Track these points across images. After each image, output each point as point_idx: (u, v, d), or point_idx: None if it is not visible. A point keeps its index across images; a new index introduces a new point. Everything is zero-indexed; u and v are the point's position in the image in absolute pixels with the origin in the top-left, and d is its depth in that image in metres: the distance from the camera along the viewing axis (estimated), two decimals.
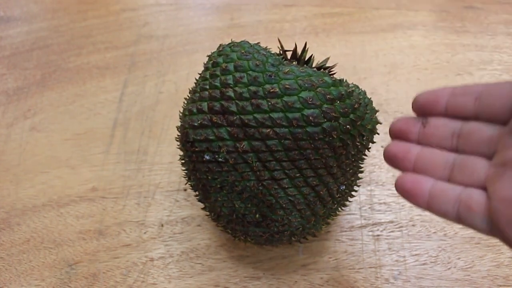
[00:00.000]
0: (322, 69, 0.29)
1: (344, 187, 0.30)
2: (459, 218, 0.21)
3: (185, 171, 0.31)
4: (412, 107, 0.24)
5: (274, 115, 0.25)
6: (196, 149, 0.28)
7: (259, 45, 0.29)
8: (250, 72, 0.26)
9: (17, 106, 0.48)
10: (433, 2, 0.57)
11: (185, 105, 0.31)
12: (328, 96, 0.26)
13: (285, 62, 0.28)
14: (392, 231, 0.38)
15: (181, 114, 0.31)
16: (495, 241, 0.37)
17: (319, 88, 0.26)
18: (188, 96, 0.31)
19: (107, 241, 0.38)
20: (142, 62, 0.52)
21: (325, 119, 0.25)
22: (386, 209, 0.39)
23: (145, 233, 0.39)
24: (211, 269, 0.36)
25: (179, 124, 0.46)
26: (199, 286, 0.35)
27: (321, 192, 0.28)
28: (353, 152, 0.28)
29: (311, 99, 0.25)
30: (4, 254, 0.38)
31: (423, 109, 0.24)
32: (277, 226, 0.29)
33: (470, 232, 0.37)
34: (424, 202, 0.22)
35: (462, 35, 0.52)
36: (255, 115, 0.26)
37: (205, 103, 0.27)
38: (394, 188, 0.41)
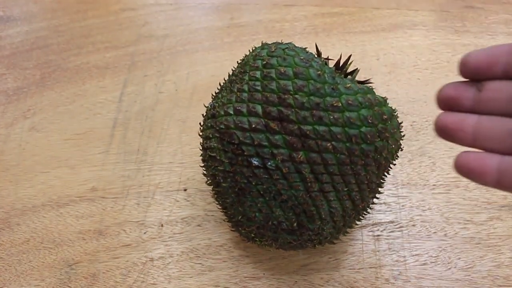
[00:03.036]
0: (366, 84, 0.29)
1: (375, 199, 0.31)
2: None
3: (214, 171, 0.30)
4: (461, 72, 0.21)
5: (335, 129, 0.25)
6: (244, 153, 0.27)
7: (308, 51, 0.29)
8: (312, 82, 0.26)
9: (17, 106, 0.48)
10: (433, 2, 0.57)
11: (221, 101, 0.29)
12: (384, 116, 0.26)
13: (338, 74, 0.28)
14: (392, 231, 0.38)
15: (215, 111, 0.29)
16: (495, 241, 0.37)
17: (376, 108, 0.26)
18: (217, 92, 0.31)
19: (107, 241, 0.38)
20: (142, 62, 0.52)
21: (379, 138, 0.26)
22: (386, 209, 0.39)
23: (145, 233, 0.38)
24: (211, 269, 0.36)
25: (179, 123, 0.46)
26: (199, 286, 0.35)
27: (360, 206, 0.29)
28: (389, 168, 0.29)
29: (370, 118, 0.26)
30: (4, 254, 0.38)
31: (476, 72, 0.21)
32: (309, 235, 0.29)
33: (470, 232, 0.37)
34: (493, 180, 0.20)
35: (462, 35, 0.52)
36: (315, 126, 0.25)
37: (259, 106, 0.26)
38: (394, 188, 0.41)
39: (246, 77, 0.28)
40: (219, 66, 0.51)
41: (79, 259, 0.37)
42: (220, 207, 0.32)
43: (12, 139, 0.46)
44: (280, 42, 0.30)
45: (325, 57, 0.30)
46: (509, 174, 0.20)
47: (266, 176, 0.27)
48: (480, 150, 0.21)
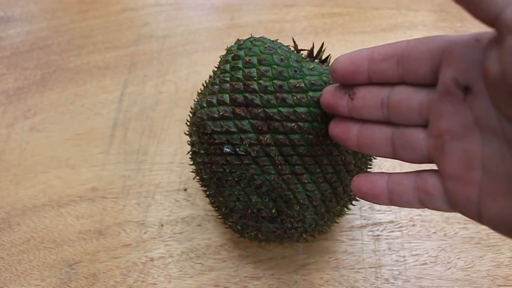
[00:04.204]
0: None
1: None
2: (423, 204, 0.21)
3: (198, 165, 0.30)
4: (334, 79, 0.22)
5: (299, 109, 0.26)
6: (215, 141, 0.27)
7: (279, 42, 0.29)
8: (275, 66, 0.26)
9: (17, 106, 0.48)
10: (433, 2, 0.57)
11: (199, 98, 0.30)
12: None
13: (306, 59, 0.28)
14: (392, 231, 0.38)
15: (195, 107, 0.30)
16: (495, 241, 0.37)
17: None
18: (200, 90, 0.31)
19: (107, 241, 0.38)
20: (142, 62, 0.52)
21: None
22: (386, 209, 0.39)
23: (145, 233, 0.39)
24: (211, 269, 0.36)
25: (179, 123, 0.46)
26: (199, 286, 0.35)
27: (338, 189, 0.28)
28: None
29: None
30: (4, 254, 0.38)
31: (346, 79, 0.22)
32: (291, 222, 0.29)
33: (470, 232, 0.37)
34: (386, 199, 0.22)
35: None
36: (279, 108, 0.26)
37: (227, 95, 0.27)
38: None
39: (218, 72, 0.29)
40: None
41: (79, 259, 0.37)
42: (211, 204, 0.33)
43: (13, 139, 0.46)
44: (253, 37, 0.30)
45: (301, 49, 0.30)
46: (397, 192, 0.21)
47: (238, 162, 0.27)
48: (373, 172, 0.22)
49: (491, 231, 0.38)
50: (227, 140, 0.27)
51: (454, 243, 0.37)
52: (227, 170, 0.28)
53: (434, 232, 0.37)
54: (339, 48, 0.52)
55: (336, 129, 0.23)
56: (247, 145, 0.26)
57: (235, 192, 0.28)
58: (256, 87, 0.26)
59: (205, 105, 0.28)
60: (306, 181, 0.27)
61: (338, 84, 0.23)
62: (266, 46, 0.28)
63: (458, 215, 0.38)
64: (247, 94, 0.26)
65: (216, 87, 0.28)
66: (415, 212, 0.39)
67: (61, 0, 0.60)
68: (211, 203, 0.33)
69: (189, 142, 0.32)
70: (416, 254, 0.36)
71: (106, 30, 0.56)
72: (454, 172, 0.19)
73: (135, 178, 0.42)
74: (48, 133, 0.46)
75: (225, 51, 0.31)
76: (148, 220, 0.39)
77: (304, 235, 0.31)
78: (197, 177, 0.33)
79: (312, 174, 0.27)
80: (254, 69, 0.27)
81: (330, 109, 0.23)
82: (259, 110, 0.26)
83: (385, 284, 0.35)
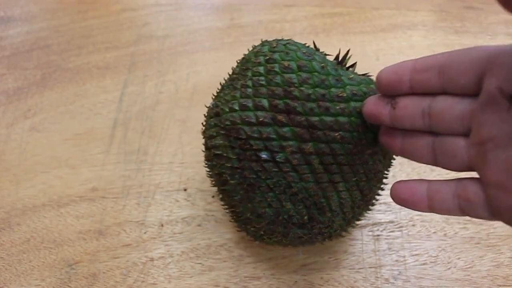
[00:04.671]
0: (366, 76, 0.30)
1: (380, 191, 0.31)
2: (463, 212, 0.21)
3: (220, 169, 0.29)
4: (377, 89, 0.23)
5: (341, 119, 0.25)
6: (252, 147, 0.27)
7: (308, 45, 0.29)
8: (316, 74, 0.26)
9: (17, 106, 0.48)
10: (433, 2, 0.57)
11: (224, 99, 0.29)
12: None
13: (340, 67, 0.28)
14: (392, 231, 0.38)
15: (219, 109, 0.29)
16: (495, 241, 0.37)
17: None
18: (219, 90, 0.31)
19: (107, 241, 0.38)
20: (142, 62, 0.52)
21: None
22: (386, 209, 0.39)
23: (145, 233, 0.39)
24: (211, 269, 0.36)
25: (179, 123, 0.46)
26: (199, 286, 0.35)
27: (368, 196, 0.29)
28: (394, 158, 0.30)
29: None
30: (4, 254, 0.38)
31: (389, 89, 0.23)
32: (320, 228, 0.29)
33: (470, 232, 0.37)
34: (425, 206, 0.22)
35: (462, 35, 0.52)
36: (322, 117, 0.25)
37: (265, 100, 0.26)
38: None
39: (249, 73, 0.28)
40: (219, 66, 0.51)
41: (79, 259, 0.37)
42: (225, 207, 0.32)
43: (13, 139, 0.46)
44: (280, 38, 0.30)
45: (324, 53, 0.30)
46: (437, 200, 0.21)
47: (276, 170, 0.27)
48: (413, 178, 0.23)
49: (491, 231, 0.38)
50: (265, 146, 0.26)
51: (454, 243, 0.37)
52: (262, 177, 0.27)
53: (434, 232, 0.37)
54: (338, 48, 0.52)
55: (384, 135, 0.24)
56: (288, 153, 0.26)
57: (267, 199, 0.28)
58: (298, 94, 0.26)
59: (237, 108, 0.27)
60: (341, 189, 0.27)
61: (380, 94, 0.24)
62: (303, 51, 0.27)
63: None
64: (288, 101, 0.26)
65: (250, 90, 0.27)
66: (415, 212, 0.39)
67: (61, 0, 0.60)
68: (230, 207, 0.32)
69: (205, 144, 0.31)
70: (416, 254, 0.36)
71: (106, 30, 0.56)
72: (497, 180, 0.19)
73: (135, 178, 0.42)
74: (48, 133, 0.46)
75: (250, 50, 0.30)
76: (148, 220, 0.39)
77: (327, 240, 0.31)
78: (212, 179, 0.32)
79: (347, 182, 0.27)
80: (294, 75, 0.26)
81: (373, 118, 0.24)
82: (302, 118, 0.26)
83: (385, 284, 0.35)
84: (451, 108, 0.21)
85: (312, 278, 0.35)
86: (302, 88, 0.26)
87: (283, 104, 0.26)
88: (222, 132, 0.28)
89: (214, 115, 0.30)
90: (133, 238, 0.38)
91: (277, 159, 0.26)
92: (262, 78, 0.27)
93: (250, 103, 0.27)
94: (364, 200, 0.29)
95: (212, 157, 0.30)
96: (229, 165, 0.28)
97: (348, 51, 0.30)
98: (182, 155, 0.43)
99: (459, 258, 0.36)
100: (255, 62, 0.28)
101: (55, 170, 0.43)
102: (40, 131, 0.46)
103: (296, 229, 0.29)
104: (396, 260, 0.36)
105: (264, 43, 0.30)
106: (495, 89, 0.18)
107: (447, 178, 0.22)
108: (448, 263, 0.36)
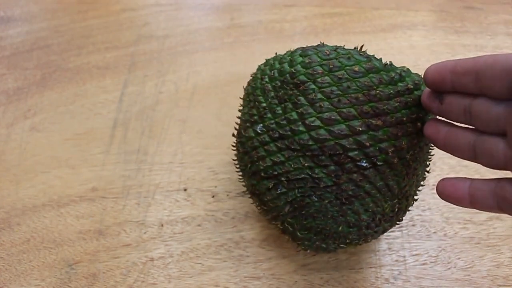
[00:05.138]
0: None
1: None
2: (502, 210, 0.22)
3: (300, 193, 0.27)
4: (425, 83, 0.25)
5: (414, 110, 0.27)
6: (353, 159, 0.26)
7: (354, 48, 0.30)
8: (383, 73, 0.27)
9: (17, 106, 0.48)
10: (433, 2, 0.57)
11: (269, 121, 0.28)
12: None
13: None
14: (392, 231, 0.38)
15: (271, 131, 0.28)
16: (495, 241, 0.37)
17: (422, 81, 0.28)
18: (263, 108, 0.29)
19: (107, 241, 0.38)
20: (142, 62, 0.52)
21: None
22: None
23: (145, 233, 0.39)
24: (211, 269, 0.36)
25: (179, 123, 0.46)
26: (199, 286, 0.35)
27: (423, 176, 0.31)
28: None
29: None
30: (4, 254, 0.38)
31: (434, 87, 0.24)
32: (401, 214, 0.30)
33: (470, 232, 0.37)
34: (468, 203, 0.23)
35: (462, 35, 0.52)
36: (403, 111, 0.26)
37: (352, 109, 0.26)
38: None
39: (313, 86, 0.27)
40: (219, 66, 0.51)
41: (79, 259, 0.37)
42: (291, 234, 0.30)
43: (13, 139, 0.46)
44: (310, 46, 0.29)
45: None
46: (477, 197, 0.23)
47: (376, 174, 0.27)
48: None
49: (491, 231, 0.38)
50: (364, 154, 0.26)
51: (454, 243, 0.37)
52: (363, 186, 0.26)
53: (434, 232, 0.37)
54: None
55: (429, 129, 0.26)
56: (389, 154, 0.26)
57: (364, 206, 0.27)
58: (380, 96, 0.26)
59: (320, 124, 0.26)
60: (419, 173, 0.29)
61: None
62: (359, 54, 0.27)
63: (459, 215, 0.38)
64: (375, 104, 0.26)
65: (327, 103, 0.26)
66: (415, 212, 0.39)
67: (61, 0, 0.60)
68: (307, 232, 0.29)
69: (262, 173, 0.29)
70: (416, 254, 0.36)
71: (106, 30, 0.56)
72: None
73: (135, 178, 0.42)
74: (48, 133, 0.46)
75: (278, 64, 0.30)
76: (148, 220, 0.39)
77: (395, 223, 0.32)
78: (278, 212, 0.29)
79: (421, 167, 0.29)
80: (366, 78, 0.26)
81: (427, 108, 0.26)
82: (392, 118, 0.26)
83: (385, 284, 0.35)
84: (487, 111, 0.22)
85: (312, 278, 0.35)
86: (380, 88, 0.26)
87: (371, 108, 0.26)
88: (304, 154, 0.27)
89: (273, 139, 0.28)
90: (133, 238, 0.38)
91: (377, 163, 0.26)
92: (335, 88, 0.26)
93: (337, 116, 0.26)
94: (422, 178, 0.31)
95: (285, 184, 0.28)
96: (321, 185, 0.27)
97: (362, 46, 0.30)
98: (182, 155, 0.43)
99: (459, 258, 0.36)
100: (313, 73, 0.27)
101: (55, 170, 0.43)
102: (40, 131, 0.46)
103: (384, 224, 0.29)
104: (396, 260, 0.36)
105: (300, 53, 0.29)
106: None
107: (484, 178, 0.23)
108: (448, 263, 0.36)
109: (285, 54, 0.31)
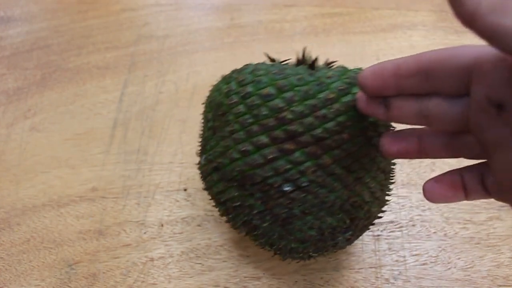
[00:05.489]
0: (334, 65, 0.30)
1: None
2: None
3: (248, 216, 0.28)
4: (363, 91, 0.22)
5: (341, 119, 0.25)
6: (273, 186, 0.26)
7: (269, 62, 0.28)
8: (297, 88, 0.25)
9: (17, 106, 0.48)
10: (433, 2, 0.57)
11: (208, 153, 0.29)
12: None
13: (309, 69, 0.27)
14: (392, 231, 0.38)
15: (218, 164, 0.28)
16: (495, 241, 0.37)
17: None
18: (201, 143, 0.30)
19: (107, 241, 0.38)
20: (142, 62, 0.52)
21: None
22: (386, 209, 0.39)
23: (145, 233, 0.39)
24: (211, 269, 0.36)
25: (179, 123, 0.46)
26: (199, 286, 0.35)
27: (390, 172, 0.29)
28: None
29: None
30: (4, 254, 0.38)
31: (376, 94, 0.22)
32: (362, 222, 0.29)
33: (470, 232, 0.37)
34: (463, 196, 0.22)
35: (462, 35, 0.52)
36: (324, 126, 0.25)
37: (263, 136, 0.25)
38: (394, 188, 0.41)
39: (231, 117, 0.27)
40: (219, 66, 0.51)
41: (79, 259, 0.37)
42: (264, 247, 0.31)
43: (13, 139, 0.46)
44: (238, 69, 0.29)
45: (283, 60, 0.29)
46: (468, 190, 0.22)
47: (304, 195, 0.26)
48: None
49: (491, 231, 0.38)
50: (284, 179, 0.26)
51: (454, 243, 0.37)
52: (294, 208, 0.26)
53: (434, 232, 0.37)
54: (339, 48, 0.52)
55: (394, 146, 0.23)
56: (310, 175, 0.25)
57: (307, 224, 0.27)
58: (291, 116, 0.25)
59: (239, 156, 0.26)
60: (367, 180, 0.27)
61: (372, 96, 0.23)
62: (273, 72, 0.26)
63: (459, 215, 0.38)
64: (287, 127, 0.25)
65: (242, 133, 0.26)
66: (415, 212, 0.39)
67: (61, 0, 0.60)
68: (270, 245, 0.30)
69: (214, 200, 0.30)
70: (416, 254, 0.36)
71: (106, 30, 0.56)
72: (501, 180, 0.19)
73: (135, 178, 0.42)
74: (48, 133, 0.46)
75: (213, 93, 0.30)
76: (148, 220, 0.39)
77: (370, 227, 0.31)
78: (240, 232, 0.30)
79: (370, 171, 0.27)
80: (278, 100, 0.25)
81: (371, 115, 0.24)
82: (307, 137, 0.25)
83: (385, 284, 0.35)
84: (445, 113, 0.20)
85: (312, 278, 0.35)
86: (292, 108, 0.25)
87: (282, 132, 0.25)
88: (234, 184, 0.27)
89: (213, 170, 0.29)
90: (133, 238, 0.38)
91: (301, 185, 0.26)
92: (248, 116, 0.26)
93: (249, 146, 0.26)
94: (386, 177, 0.29)
95: (231, 210, 0.29)
96: (255, 211, 0.27)
97: (304, 48, 0.29)
98: (182, 155, 0.43)
99: (459, 258, 0.36)
100: (231, 103, 0.27)
101: (55, 170, 0.43)
102: (40, 131, 0.46)
103: (342, 235, 0.29)
104: (396, 260, 0.36)
105: (226, 80, 0.29)
106: (483, 98, 0.18)
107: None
108: (448, 263, 0.36)
109: (221, 79, 0.30)
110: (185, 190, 0.41)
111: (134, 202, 0.40)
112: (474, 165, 0.22)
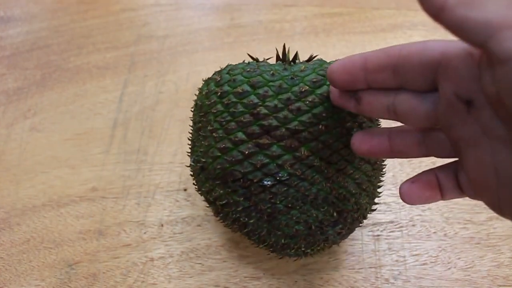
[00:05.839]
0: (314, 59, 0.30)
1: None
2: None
3: (235, 214, 0.28)
4: (333, 85, 0.22)
5: (316, 110, 0.25)
6: (253, 181, 0.26)
7: (248, 61, 0.29)
8: (271, 84, 0.26)
9: (17, 106, 0.48)
10: None
11: (201, 152, 0.29)
12: None
13: (286, 65, 0.28)
14: (392, 231, 0.38)
15: (203, 163, 0.29)
16: (495, 241, 0.37)
17: None
18: (191, 145, 0.31)
19: (107, 241, 0.38)
20: (142, 62, 0.52)
21: None
22: (386, 209, 0.39)
23: (145, 233, 0.39)
24: (211, 269, 0.36)
25: (179, 123, 0.46)
26: (199, 286, 0.35)
27: (377, 164, 0.29)
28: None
29: None
30: (4, 254, 0.38)
31: (345, 87, 0.22)
32: (352, 215, 0.29)
33: (470, 232, 0.37)
34: (439, 197, 0.22)
35: None
36: (299, 119, 0.25)
37: (240, 133, 0.26)
38: (393, 188, 0.41)
39: (211, 117, 0.28)
40: (219, 66, 0.51)
41: (79, 259, 0.37)
42: (259, 245, 0.31)
43: (13, 139, 0.46)
44: (219, 69, 0.30)
45: (263, 59, 0.30)
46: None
47: (285, 188, 0.26)
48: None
49: (491, 231, 0.38)
50: (264, 174, 0.26)
51: (454, 243, 0.37)
52: (277, 202, 0.27)
53: (434, 232, 0.37)
54: (339, 48, 0.52)
55: (364, 145, 0.23)
56: (288, 168, 0.26)
57: (293, 218, 0.27)
58: (266, 111, 0.25)
59: (219, 154, 0.27)
60: (351, 172, 0.27)
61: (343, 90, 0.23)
62: (247, 70, 0.27)
63: (459, 215, 0.38)
64: (261, 122, 0.26)
65: (221, 131, 0.27)
66: (415, 212, 0.39)
67: (61, 0, 0.60)
68: (261, 242, 0.30)
69: (206, 201, 0.31)
70: (416, 254, 0.36)
71: (106, 30, 0.56)
72: (473, 178, 0.19)
73: (135, 178, 0.42)
74: (48, 133, 0.46)
75: (198, 96, 0.30)
76: (148, 220, 0.39)
77: (362, 221, 0.31)
78: (234, 230, 0.31)
79: (352, 162, 0.27)
80: (252, 96, 0.26)
81: (343, 108, 0.24)
82: (282, 130, 0.25)
83: (385, 284, 0.35)
84: (414, 109, 0.20)
85: (312, 278, 0.35)
86: (266, 103, 0.26)
87: (258, 127, 0.26)
88: (217, 182, 0.28)
89: (200, 170, 0.29)
90: (133, 238, 0.38)
91: (281, 179, 0.26)
92: (225, 114, 0.27)
93: (228, 143, 0.26)
94: (374, 168, 0.29)
95: (220, 209, 0.29)
96: (240, 208, 0.28)
97: (284, 45, 0.30)
98: (182, 155, 0.43)
99: (459, 258, 0.36)
100: (210, 103, 0.28)
101: (55, 170, 0.43)
102: (40, 131, 0.46)
103: (331, 229, 0.29)
104: (396, 260, 0.36)
105: (207, 81, 0.30)
106: (451, 95, 0.18)
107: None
108: (448, 263, 0.36)
109: (204, 82, 0.31)
110: (185, 190, 0.41)
111: (134, 202, 0.40)
112: (447, 164, 0.22)
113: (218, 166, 0.27)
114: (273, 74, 0.26)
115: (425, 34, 0.53)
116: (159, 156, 0.43)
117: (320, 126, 0.25)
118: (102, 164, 0.43)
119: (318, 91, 0.25)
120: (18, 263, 0.37)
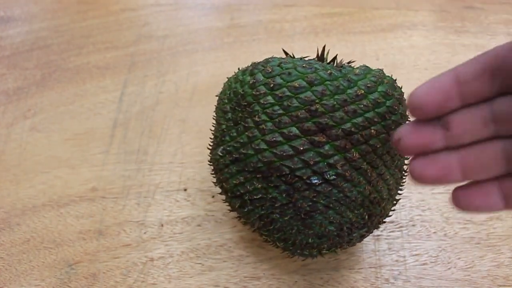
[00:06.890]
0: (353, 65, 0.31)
1: None
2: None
3: (266, 210, 0.28)
4: (417, 116, 0.19)
5: (368, 115, 0.26)
6: (302, 177, 0.26)
7: (294, 57, 0.29)
8: (328, 83, 0.26)
9: (17, 106, 0.48)
10: (433, 2, 0.57)
11: (228, 144, 0.28)
12: (394, 84, 0.28)
13: (335, 66, 0.28)
14: (392, 231, 0.38)
15: (229, 154, 0.28)
16: (495, 241, 0.37)
17: (385, 80, 0.27)
18: (220, 131, 0.30)
19: (107, 241, 0.38)
20: (142, 62, 0.52)
21: (400, 105, 0.27)
22: None
23: (145, 233, 0.39)
24: (211, 269, 0.36)
25: (179, 123, 0.46)
26: (199, 286, 0.35)
27: (406, 171, 0.30)
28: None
29: (388, 91, 0.27)
30: (4, 254, 0.38)
31: (437, 113, 0.19)
32: (377, 219, 0.29)
33: (470, 232, 0.37)
34: (502, 207, 0.20)
35: (462, 35, 0.52)
36: (353, 121, 0.26)
37: (294, 128, 0.26)
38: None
39: (257, 107, 0.27)
40: (219, 66, 0.51)
41: (79, 259, 0.37)
42: (275, 242, 0.31)
43: (13, 139, 0.46)
44: (260, 62, 0.29)
45: (304, 57, 0.30)
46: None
47: (330, 188, 0.26)
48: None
49: (492, 231, 0.38)
50: (313, 172, 0.26)
51: (454, 243, 0.37)
52: (319, 201, 0.26)
53: (434, 232, 0.37)
54: (339, 49, 0.52)
55: (430, 171, 0.20)
56: (339, 168, 0.26)
57: (328, 218, 0.27)
58: (323, 109, 0.25)
59: (266, 146, 0.26)
60: (387, 177, 0.28)
61: (415, 119, 0.20)
62: (303, 65, 0.27)
63: (459, 215, 0.38)
64: (318, 119, 0.25)
65: (270, 123, 0.26)
66: (415, 212, 0.39)
67: (61, 0, 0.60)
68: (283, 240, 0.29)
69: (228, 193, 0.30)
70: (416, 254, 0.36)
71: (106, 30, 0.56)
72: None
73: (135, 178, 0.42)
74: (48, 133, 0.46)
75: (233, 83, 0.30)
76: (148, 220, 0.39)
77: (380, 225, 0.32)
78: (253, 227, 0.30)
79: (389, 168, 0.28)
80: (309, 92, 0.26)
81: (419, 150, 0.20)
82: (338, 131, 0.25)
83: (385, 284, 0.35)
84: None
85: (312, 278, 0.35)
86: (323, 101, 0.26)
87: (313, 124, 0.26)
88: (257, 176, 0.27)
89: (232, 162, 0.29)
90: (133, 238, 0.38)
91: (328, 179, 0.26)
92: (277, 107, 0.26)
93: (279, 137, 0.26)
94: (402, 176, 0.30)
95: (249, 203, 0.29)
96: (277, 204, 0.27)
97: (324, 47, 0.30)
98: (182, 155, 0.43)
99: (459, 258, 0.36)
100: (257, 94, 0.27)
101: (55, 170, 0.43)
102: (40, 131, 0.46)
103: (358, 231, 0.29)
104: (396, 260, 0.36)
105: (247, 72, 0.29)
106: None
107: None
108: (448, 263, 0.36)
109: (241, 72, 0.31)
110: (185, 190, 0.41)
111: (134, 202, 0.40)
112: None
113: (264, 160, 0.26)
114: (330, 74, 0.26)
115: (425, 34, 0.53)
116: (159, 156, 0.43)
117: (372, 130, 0.26)
118: (102, 164, 0.43)
119: (371, 97, 0.26)
120: (18, 263, 0.37)
